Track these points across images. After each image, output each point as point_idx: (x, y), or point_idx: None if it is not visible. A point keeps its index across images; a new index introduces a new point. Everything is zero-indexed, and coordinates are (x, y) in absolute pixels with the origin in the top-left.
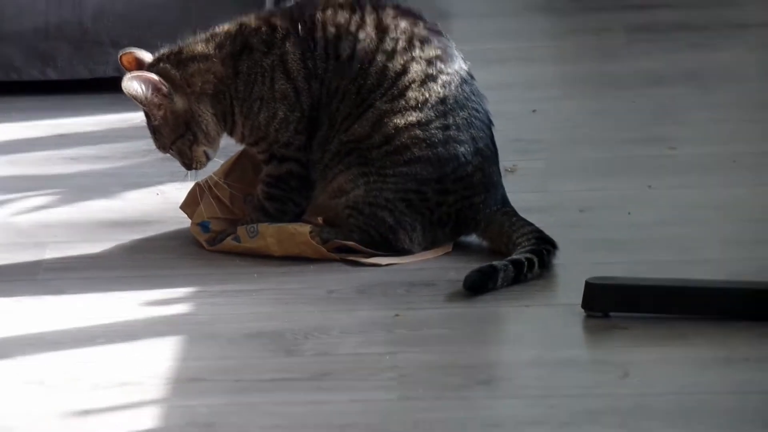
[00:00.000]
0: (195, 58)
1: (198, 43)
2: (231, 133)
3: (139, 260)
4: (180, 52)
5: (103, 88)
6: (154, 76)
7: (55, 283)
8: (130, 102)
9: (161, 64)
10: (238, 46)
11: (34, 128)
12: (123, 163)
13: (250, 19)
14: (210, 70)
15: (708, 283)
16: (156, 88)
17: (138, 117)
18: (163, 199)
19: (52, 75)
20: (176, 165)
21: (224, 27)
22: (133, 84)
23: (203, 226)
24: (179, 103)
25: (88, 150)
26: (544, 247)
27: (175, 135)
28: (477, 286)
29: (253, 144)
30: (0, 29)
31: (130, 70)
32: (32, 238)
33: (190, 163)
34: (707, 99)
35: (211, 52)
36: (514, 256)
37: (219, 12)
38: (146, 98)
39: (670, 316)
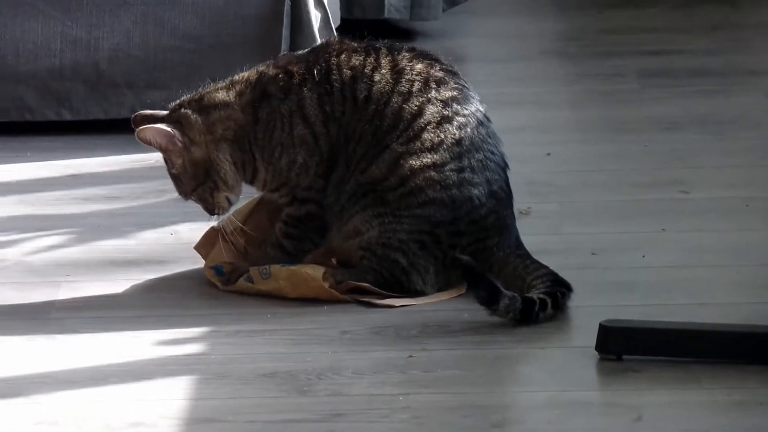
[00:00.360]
0: (216, 105)
1: (219, 91)
2: (252, 182)
3: (152, 300)
4: (201, 98)
5: (117, 129)
6: (168, 129)
7: (69, 322)
8: None
9: (182, 110)
10: (258, 94)
11: (48, 168)
12: (137, 203)
13: (269, 67)
14: (231, 118)
15: (721, 327)
16: (171, 141)
17: (152, 157)
18: (177, 239)
19: (66, 116)
20: (191, 205)
21: (244, 75)
22: (148, 135)
23: (217, 269)
24: (197, 152)
25: (102, 190)
26: (558, 289)
27: (196, 182)
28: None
29: (275, 190)
30: (15, 69)
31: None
32: (46, 277)
33: (212, 208)
34: (720, 144)
35: (232, 99)
36: (527, 295)
37: (232, 55)
38: (162, 148)
39: (684, 360)
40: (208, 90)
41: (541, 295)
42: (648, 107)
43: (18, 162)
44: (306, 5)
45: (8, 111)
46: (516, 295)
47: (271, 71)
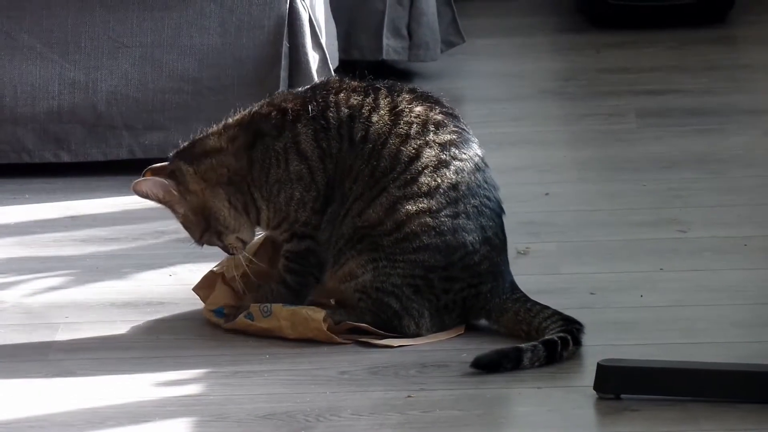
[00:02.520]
0: (208, 152)
1: (211, 137)
2: (258, 222)
3: (150, 341)
4: (193, 147)
5: (116, 171)
6: (162, 180)
7: (66, 364)
8: None
9: (176, 161)
10: (251, 136)
11: (47, 210)
12: (135, 245)
13: (262, 106)
14: (223, 164)
15: (719, 366)
16: (167, 192)
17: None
18: (176, 281)
19: (65, 157)
20: (189, 247)
21: (237, 117)
22: (143, 188)
23: (218, 312)
24: (194, 200)
25: (100, 231)
26: (572, 326)
27: (201, 229)
28: (485, 364)
29: (276, 226)
30: (13, 111)
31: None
32: (44, 318)
33: (227, 250)
34: (718, 183)
35: (224, 145)
36: (546, 337)
37: (230, 97)
38: (160, 200)
39: (682, 399)
40: (201, 137)
41: (560, 334)
42: (646, 146)
43: (16, 204)
44: (304, 47)
45: (7, 153)
46: (535, 344)
47: (264, 110)
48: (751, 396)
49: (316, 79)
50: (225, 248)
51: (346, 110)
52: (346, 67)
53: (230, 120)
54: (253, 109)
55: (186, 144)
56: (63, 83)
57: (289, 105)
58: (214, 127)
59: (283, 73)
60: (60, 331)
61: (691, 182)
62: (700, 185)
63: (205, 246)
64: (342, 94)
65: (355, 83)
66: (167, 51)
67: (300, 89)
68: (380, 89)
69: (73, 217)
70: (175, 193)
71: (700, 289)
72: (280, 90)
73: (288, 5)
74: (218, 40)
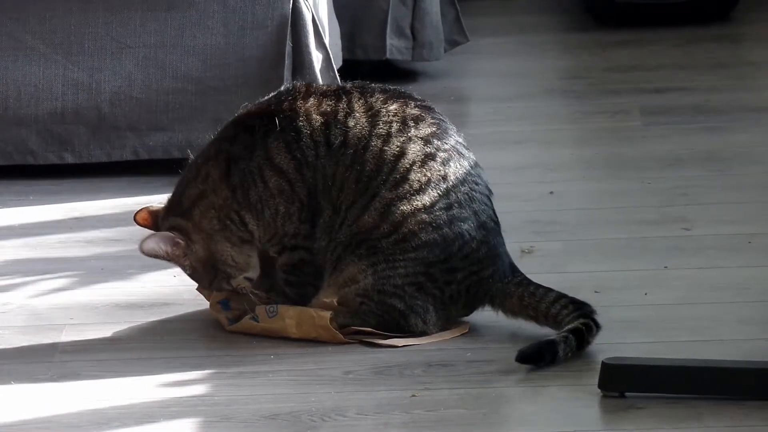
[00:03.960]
0: (194, 202)
1: (191, 187)
2: (260, 243)
3: (155, 342)
4: (180, 202)
5: (120, 172)
6: (168, 233)
7: (71, 366)
8: (147, 185)
9: (171, 218)
10: (223, 165)
11: (51, 211)
12: None
13: (226, 129)
14: (210, 206)
15: (724, 364)
16: (174, 243)
17: (155, 200)
18: (181, 281)
19: (69, 159)
20: None
21: (202, 152)
22: (150, 246)
23: (224, 304)
24: (200, 250)
25: (105, 233)
26: (586, 309)
27: (210, 277)
28: (529, 355)
29: (267, 241)
30: (16, 113)
31: (142, 225)
32: (48, 320)
33: (236, 291)
34: (723, 181)
35: (202, 188)
36: (571, 326)
37: (234, 97)
38: (168, 255)
39: (687, 396)
40: (181, 190)
41: (583, 320)
42: (651, 144)
43: (21, 205)
44: (308, 47)
45: (10, 154)
46: (565, 335)
47: (230, 132)
48: (757, 393)
49: (320, 78)
50: (234, 290)
51: (319, 117)
52: (349, 66)
53: (198, 159)
54: (218, 137)
55: (171, 200)
56: (66, 84)
57: (255, 122)
58: (190, 175)
59: (287, 73)
60: (65, 333)
61: (696, 180)
62: (705, 183)
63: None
64: (311, 100)
65: (323, 87)
66: (170, 51)
67: (264, 99)
68: (352, 92)
69: (77, 219)
70: (182, 243)
71: (705, 287)
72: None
73: (291, 5)
74: (221, 40)
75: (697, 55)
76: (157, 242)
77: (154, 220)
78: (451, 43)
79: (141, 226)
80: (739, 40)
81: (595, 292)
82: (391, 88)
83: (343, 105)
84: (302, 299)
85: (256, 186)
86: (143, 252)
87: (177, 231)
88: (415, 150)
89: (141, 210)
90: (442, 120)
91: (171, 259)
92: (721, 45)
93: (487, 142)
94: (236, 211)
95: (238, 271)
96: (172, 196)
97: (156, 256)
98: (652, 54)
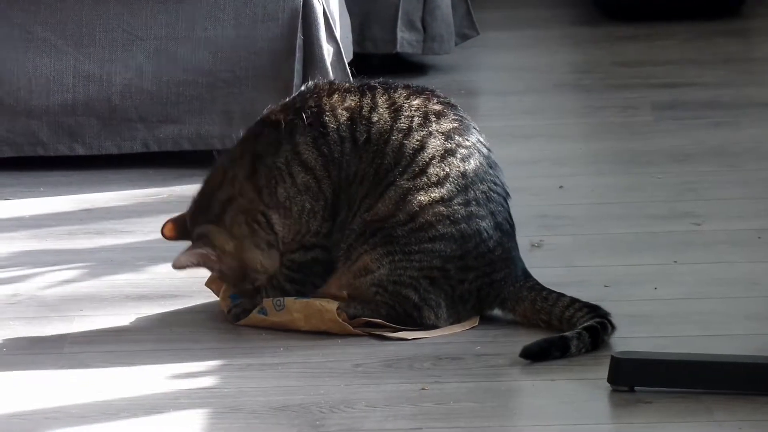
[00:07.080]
0: (224, 206)
1: (219, 191)
2: (282, 244)
3: (164, 334)
4: (210, 206)
5: (130, 164)
6: (201, 251)
7: (81, 357)
8: (157, 177)
9: (202, 225)
10: (249, 164)
11: (61, 203)
12: (150, 237)
13: (253, 129)
14: (238, 209)
15: (733, 358)
16: (206, 258)
17: (165, 192)
18: (189, 274)
19: (79, 150)
20: None
21: (226, 156)
22: (183, 263)
23: (234, 297)
24: (229, 259)
25: (115, 224)
26: (600, 311)
27: (238, 280)
28: (534, 352)
29: (290, 241)
30: (27, 104)
31: (170, 238)
32: (58, 311)
33: (258, 290)
34: (732, 176)
35: (231, 191)
36: (586, 324)
37: (245, 89)
38: (200, 266)
39: (696, 391)
40: (212, 195)
41: (598, 319)
42: (661, 139)
43: (31, 197)
44: (319, 39)
45: (21, 146)
46: (580, 331)
47: (255, 130)
48: (765, 388)
49: (330, 71)
50: (256, 289)
51: (344, 113)
52: (360, 59)
53: (224, 161)
54: (243, 137)
55: (198, 201)
56: (77, 76)
57: (281, 116)
58: (217, 180)
59: (298, 66)
60: (74, 324)
61: (705, 175)
62: (715, 178)
63: None
64: (336, 96)
65: (346, 84)
66: (182, 43)
67: (287, 99)
68: (375, 88)
69: (87, 210)
70: (214, 258)
71: (714, 281)
72: (295, 84)
73: None
74: (232, 32)
75: (707, 50)
76: (189, 258)
77: (181, 229)
78: (462, 37)
79: (168, 239)
80: (749, 35)
81: (605, 286)
82: (415, 85)
83: (367, 100)
84: (299, 296)
85: (284, 182)
86: (175, 268)
87: (208, 239)
88: (435, 145)
89: (166, 223)
90: (464, 117)
91: (205, 267)
92: (731, 40)
93: (496, 136)
94: (262, 212)
95: (264, 275)
96: (199, 198)
97: (187, 269)
98: (662, 49)
